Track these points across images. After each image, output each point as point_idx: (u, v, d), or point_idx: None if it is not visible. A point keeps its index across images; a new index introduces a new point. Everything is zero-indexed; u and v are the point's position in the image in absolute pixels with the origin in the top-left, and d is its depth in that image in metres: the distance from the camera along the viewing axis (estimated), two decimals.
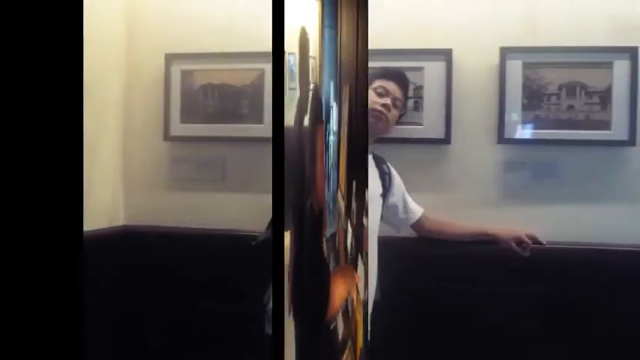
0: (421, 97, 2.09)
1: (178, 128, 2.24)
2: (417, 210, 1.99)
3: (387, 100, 1.86)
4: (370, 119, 1.85)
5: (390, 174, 1.94)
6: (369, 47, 2.14)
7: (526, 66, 2.03)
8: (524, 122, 2.04)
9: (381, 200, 1.88)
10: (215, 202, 2.22)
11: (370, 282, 1.79)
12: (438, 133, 2.07)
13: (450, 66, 2.06)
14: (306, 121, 0.66)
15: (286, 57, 0.63)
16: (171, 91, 2.24)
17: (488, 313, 1.94)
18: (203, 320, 2.12)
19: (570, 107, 2.01)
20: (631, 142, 1.98)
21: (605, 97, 1.99)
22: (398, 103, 1.90)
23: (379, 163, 1.93)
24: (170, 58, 2.24)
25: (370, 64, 2.10)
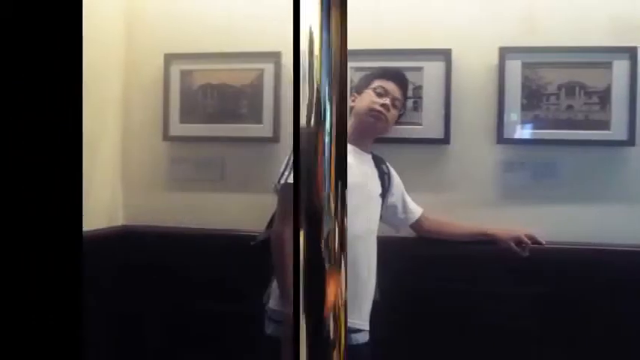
0: (420, 97, 2.09)
1: (177, 128, 2.24)
2: (416, 210, 1.99)
3: (387, 100, 1.86)
4: (369, 119, 1.85)
5: (389, 174, 1.94)
6: (369, 47, 2.16)
7: (525, 66, 2.03)
8: (523, 122, 2.04)
9: (380, 200, 1.88)
10: (214, 202, 2.22)
11: (369, 282, 1.79)
12: (438, 133, 2.07)
13: (449, 66, 2.06)
14: (312, 122, 0.68)
15: (305, 58, 0.65)
16: (171, 91, 2.24)
17: (487, 313, 1.94)
18: (202, 320, 2.12)
19: (570, 107, 2.01)
20: (630, 142, 1.98)
21: (604, 97, 1.99)
22: (397, 103, 1.90)
23: (378, 163, 1.93)
24: (169, 58, 2.23)
25: (369, 64, 2.13)
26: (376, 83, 1.88)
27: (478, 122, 2.07)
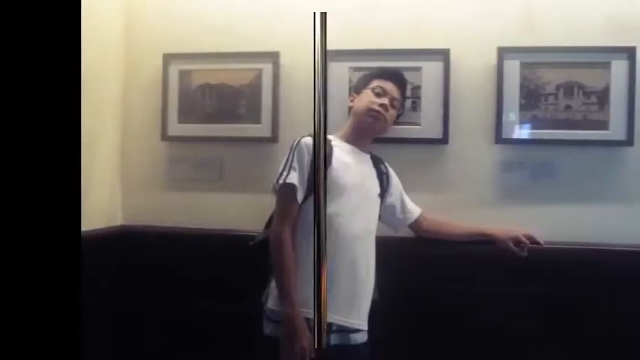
0: (419, 97, 2.09)
1: (176, 128, 2.24)
2: (414, 210, 1.99)
3: (385, 100, 1.86)
4: (368, 119, 1.85)
5: (387, 174, 1.94)
6: (369, 47, 2.16)
7: (524, 66, 2.03)
8: (521, 122, 2.04)
9: (378, 200, 1.88)
10: (213, 202, 2.22)
11: (368, 282, 1.79)
12: (436, 133, 2.07)
13: (447, 66, 2.06)
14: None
15: (319, 63, 0.68)
16: (169, 91, 2.24)
17: (485, 313, 1.95)
18: (201, 320, 2.12)
19: (568, 107, 2.01)
20: (629, 142, 1.98)
21: (602, 97, 1.99)
22: (396, 103, 1.90)
23: (377, 163, 1.93)
24: (168, 58, 2.23)
25: (368, 64, 2.14)
26: (375, 83, 1.88)
27: (476, 122, 2.07)
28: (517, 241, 1.89)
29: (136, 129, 2.29)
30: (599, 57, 2.00)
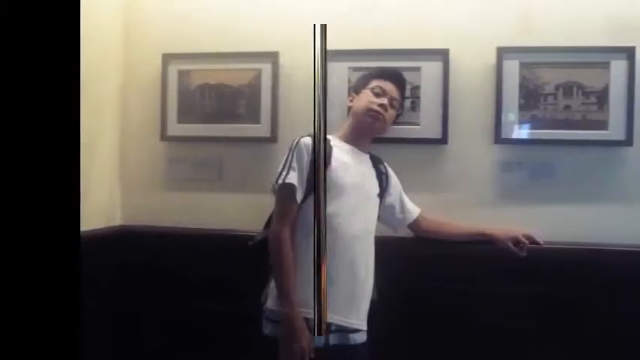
0: (418, 97, 2.09)
1: (175, 128, 2.23)
2: (414, 210, 1.99)
3: (384, 100, 1.86)
4: (367, 119, 1.85)
5: (387, 174, 1.94)
6: (368, 47, 2.16)
7: (523, 66, 2.03)
8: (521, 122, 2.04)
9: (377, 200, 1.88)
10: (212, 202, 2.22)
11: (367, 282, 1.79)
12: (435, 133, 2.07)
13: (446, 66, 2.06)
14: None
15: (319, 63, 0.68)
16: (168, 91, 2.23)
17: (485, 313, 1.95)
18: (200, 320, 2.12)
19: (567, 107, 2.01)
20: (628, 142, 1.98)
21: (602, 97, 1.99)
22: (395, 103, 1.90)
23: (376, 163, 1.93)
24: (167, 58, 2.23)
25: (367, 64, 2.14)
26: (374, 83, 1.88)
27: (476, 122, 2.07)
28: (516, 241, 1.89)
29: (135, 129, 2.29)
30: (598, 57, 2.00)
